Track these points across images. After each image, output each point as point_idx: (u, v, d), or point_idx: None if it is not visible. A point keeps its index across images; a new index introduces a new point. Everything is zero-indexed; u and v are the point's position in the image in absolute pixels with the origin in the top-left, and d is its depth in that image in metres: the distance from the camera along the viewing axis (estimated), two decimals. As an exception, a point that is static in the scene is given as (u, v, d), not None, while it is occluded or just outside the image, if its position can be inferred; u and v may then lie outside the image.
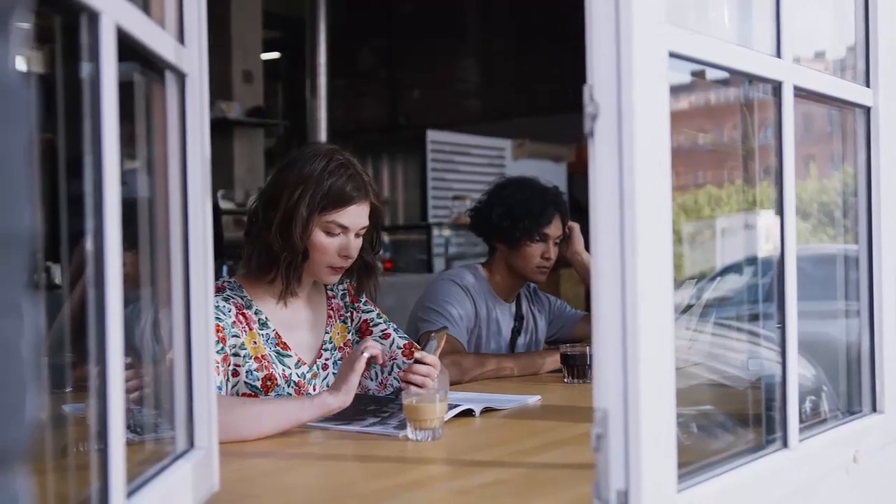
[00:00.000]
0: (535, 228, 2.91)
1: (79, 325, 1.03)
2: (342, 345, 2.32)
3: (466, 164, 8.07)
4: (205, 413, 1.34)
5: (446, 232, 7.41)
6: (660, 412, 1.16)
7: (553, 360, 2.77)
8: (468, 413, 2.06)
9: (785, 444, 1.47)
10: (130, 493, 1.05)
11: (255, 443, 1.85)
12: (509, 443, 1.87)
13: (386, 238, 7.60)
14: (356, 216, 2.15)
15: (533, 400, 2.30)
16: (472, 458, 1.74)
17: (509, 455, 1.75)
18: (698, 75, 1.44)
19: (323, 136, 9.23)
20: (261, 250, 2.16)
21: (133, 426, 1.25)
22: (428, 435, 1.81)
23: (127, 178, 1.13)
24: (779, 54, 1.47)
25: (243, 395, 2.11)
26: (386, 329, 2.34)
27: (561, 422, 2.08)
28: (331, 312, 2.32)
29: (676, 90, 1.22)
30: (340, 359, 2.28)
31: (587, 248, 3.04)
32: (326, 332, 2.30)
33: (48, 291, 1.19)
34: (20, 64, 0.56)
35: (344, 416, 1.98)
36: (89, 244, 0.95)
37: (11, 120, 0.53)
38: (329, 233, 2.14)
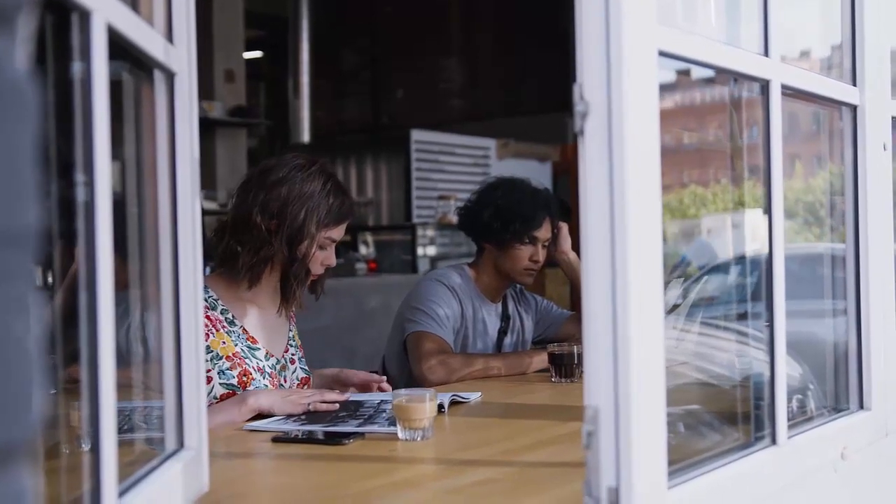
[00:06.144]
0: (525, 231, 2.90)
1: (65, 327, 1.03)
2: (299, 344, 2.43)
3: (451, 163, 8.06)
4: (194, 414, 1.33)
5: (431, 232, 7.39)
6: (651, 409, 1.17)
7: (540, 360, 2.77)
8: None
9: (773, 441, 1.48)
10: (121, 494, 1.04)
11: (245, 444, 1.85)
12: (499, 442, 1.87)
13: (370, 238, 7.59)
14: (343, 230, 2.29)
15: (474, 397, 2.30)
16: (462, 457, 1.74)
17: (499, 454, 1.75)
18: (683, 73, 1.45)
19: (306, 136, 9.21)
20: (264, 260, 2.20)
21: (120, 425, 1.24)
22: (417, 434, 1.81)
23: (114, 179, 1.12)
24: (766, 53, 1.47)
25: (222, 396, 2.11)
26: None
27: (549, 420, 2.09)
28: (292, 314, 2.41)
29: (661, 89, 1.22)
30: (302, 357, 2.40)
31: (574, 248, 3.05)
32: (290, 330, 2.39)
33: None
34: (25, 63, 0.56)
35: (333, 419, 1.98)
36: (80, 246, 0.95)
37: (19, 119, 0.54)
38: (322, 247, 2.24)
